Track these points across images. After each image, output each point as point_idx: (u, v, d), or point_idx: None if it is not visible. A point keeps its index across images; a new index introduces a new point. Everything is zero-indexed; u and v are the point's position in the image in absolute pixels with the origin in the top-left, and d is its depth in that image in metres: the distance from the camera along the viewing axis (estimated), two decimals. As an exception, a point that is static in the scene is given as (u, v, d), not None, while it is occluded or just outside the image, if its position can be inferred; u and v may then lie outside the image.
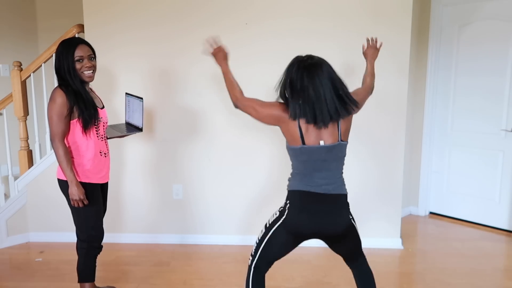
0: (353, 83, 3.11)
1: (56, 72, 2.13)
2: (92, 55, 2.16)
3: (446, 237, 3.53)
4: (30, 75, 3.30)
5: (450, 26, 3.76)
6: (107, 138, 2.33)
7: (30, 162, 3.39)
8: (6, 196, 3.38)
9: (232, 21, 3.10)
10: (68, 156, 2.09)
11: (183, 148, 3.28)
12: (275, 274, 2.84)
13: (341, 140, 1.84)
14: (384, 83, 3.11)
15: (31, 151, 3.41)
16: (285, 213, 1.88)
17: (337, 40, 3.08)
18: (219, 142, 3.25)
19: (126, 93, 2.61)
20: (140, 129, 2.47)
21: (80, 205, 2.13)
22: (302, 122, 1.78)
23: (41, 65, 3.27)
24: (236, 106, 2.07)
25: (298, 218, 1.85)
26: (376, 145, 3.18)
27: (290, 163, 1.94)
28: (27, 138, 3.38)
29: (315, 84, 1.76)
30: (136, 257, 3.12)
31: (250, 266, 2.05)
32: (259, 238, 1.99)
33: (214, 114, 3.22)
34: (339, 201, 1.89)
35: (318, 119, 1.76)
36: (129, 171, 3.32)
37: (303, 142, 1.79)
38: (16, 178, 3.36)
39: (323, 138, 1.80)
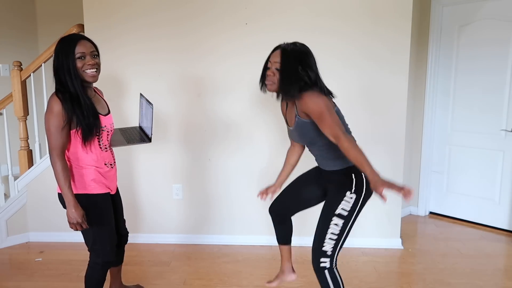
0: (351, 82, 3.13)
1: (55, 74, 1.89)
2: (95, 52, 1.92)
3: (446, 237, 3.52)
4: (30, 75, 3.30)
5: (450, 26, 3.76)
6: (112, 147, 2.11)
7: (30, 162, 3.39)
8: (6, 196, 3.38)
9: (232, 21, 3.09)
10: (67, 173, 1.87)
11: (183, 148, 3.28)
12: (275, 274, 2.84)
13: None
14: (384, 83, 3.11)
15: (31, 151, 3.41)
16: (363, 188, 1.87)
17: (337, 40, 3.08)
18: (219, 142, 3.25)
19: (141, 94, 2.30)
20: (149, 139, 2.16)
21: (79, 229, 1.91)
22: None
23: (41, 65, 3.27)
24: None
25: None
26: (376, 145, 3.18)
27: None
28: (27, 138, 3.38)
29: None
30: (136, 257, 3.12)
31: (333, 268, 1.92)
32: (339, 232, 1.88)
33: (214, 114, 3.22)
34: None
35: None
36: (129, 171, 3.32)
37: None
38: (16, 178, 3.36)
39: None
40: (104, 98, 2.17)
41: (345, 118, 2.09)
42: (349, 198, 1.87)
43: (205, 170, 3.30)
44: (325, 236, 1.89)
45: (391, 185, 1.59)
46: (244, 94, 3.18)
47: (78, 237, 2.22)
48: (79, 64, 1.86)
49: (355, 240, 3.30)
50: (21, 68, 3.28)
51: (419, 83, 3.95)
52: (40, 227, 3.40)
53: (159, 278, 2.80)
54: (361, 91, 3.13)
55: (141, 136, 2.24)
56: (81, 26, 3.19)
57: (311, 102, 1.81)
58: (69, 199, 1.88)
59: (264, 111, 3.18)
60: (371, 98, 3.14)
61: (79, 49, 1.86)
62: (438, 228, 3.74)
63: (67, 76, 1.86)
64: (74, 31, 3.20)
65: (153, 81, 3.20)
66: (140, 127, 2.35)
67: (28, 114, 3.36)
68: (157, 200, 3.35)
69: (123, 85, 3.20)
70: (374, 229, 3.29)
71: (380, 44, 3.06)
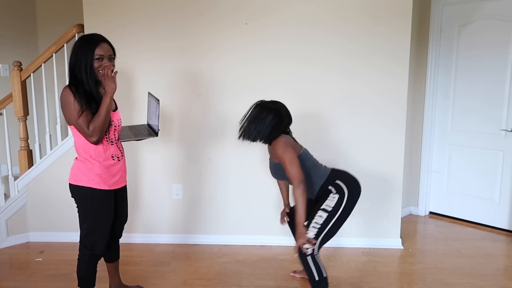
0: (351, 82, 3.12)
1: (70, 69, 1.99)
2: (112, 55, 2.05)
3: (446, 237, 3.53)
4: (30, 75, 3.30)
5: (450, 26, 3.76)
6: (120, 141, 2.19)
7: (30, 162, 3.39)
8: (6, 196, 3.38)
9: (232, 21, 3.10)
10: (95, 118, 1.96)
11: (183, 148, 3.28)
12: (275, 274, 2.85)
13: None
14: (384, 83, 3.11)
15: (31, 151, 3.41)
16: (344, 190, 2.30)
17: (337, 41, 3.08)
18: (219, 142, 3.26)
19: (149, 93, 2.37)
20: (156, 134, 2.23)
21: (113, 75, 1.99)
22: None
23: (41, 65, 3.27)
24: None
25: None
26: (376, 145, 3.18)
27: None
28: (27, 138, 3.38)
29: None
30: (136, 257, 3.12)
31: (314, 254, 2.25)
32: (322, 223, 2.26)
33: (215, 114, 3.22)
34: None
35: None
36: (129, 171, 3.31)
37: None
38: (16, 178, 3.35)
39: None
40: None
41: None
42: (332, 197, 2.28)
43: (205, 170, 3.30)
44: (310, 225, 2.25)
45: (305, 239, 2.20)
46: (244, 94, 3.17)
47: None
48: (96, 64, 1.97)
49: (355, 240, 3.31)
50: (21, 68, 3.28)
51: (419, 83, 3.95)
52: (40, 227, 3.40)
53: (159, 278, 2.80)
54: (361, 91, 3.12)
55: (148, 131, 2.30)
56: (81, 26, 3.19)
57: (279, 149, 2.28)
58: (106, 100, 1.98)
59: (264, 111, 3.18)
60: (371, 98, 3.14)
61: (99, 51, 1.97)
62: (438, 228, 3.74)
63: (83, 73, 1.96)
64: (74, 31, 3.21)
65: (153, 81, 3.19)
66: (148, 125, 2.40)
67: (28, 114, 3.36)
68: (157, 200, 3.35)
69: (123, 85, 3.19)
70: (374, 229, 3.29)
71: (380, 44, 3.06)
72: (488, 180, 3.68)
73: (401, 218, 3.37)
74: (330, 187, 2.30)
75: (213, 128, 3.24)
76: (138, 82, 3.20)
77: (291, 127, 2.51)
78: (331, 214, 2.25)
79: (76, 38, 3.21)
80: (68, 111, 1.98)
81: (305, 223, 2.23)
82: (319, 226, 2.23)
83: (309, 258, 2.22)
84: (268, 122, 2.30)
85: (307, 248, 2.20)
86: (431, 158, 4.00)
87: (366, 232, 3.29)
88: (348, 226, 3.30)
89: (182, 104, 3.22)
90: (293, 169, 2.21)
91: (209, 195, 3.33)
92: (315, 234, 2.23)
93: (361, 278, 2.79)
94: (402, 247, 3.28)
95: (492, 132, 3.61)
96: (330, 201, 2.27)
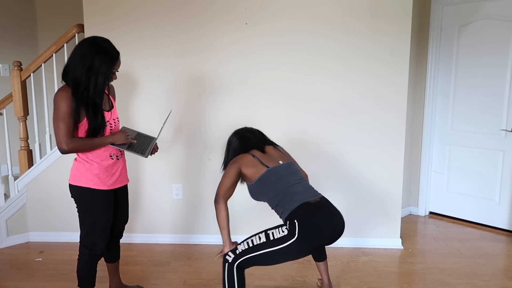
0: (351, 82, 3.12)
1: (78, 71, 1.95)
2: None
3: (446, 237, 3.53)
4: (30, 75, 3.30)
5: (450, 26, 3.76)
6: (110, 145, 2.11)
7: (30, 162, 3.39)
8: (6, 196, 3.38)
9: (232, 21, 3.09)
10: (85, 139, 2.00)
11: (183, 148, 3.28)
12: (275, 274, 2.85)
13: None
14: (384, 83, 3.11)
15: (31, 151, 3.41)
16: (296, 231, 2.01)
17: (337, 41, 3.08)
18: (219, 142, 3.25)
19: (171, 111, 2.47)
20: (146, 154, 2.18)
21: (129, 140, 2.13)
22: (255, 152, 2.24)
23: (41, 65, 3.27)
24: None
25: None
26: (376, 145, 3.18)
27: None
28: (27, 138, 3.38)
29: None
30: (136, 257, 3.12)
31: (233, 265, 2.14)
32: (255, 244, 2.11)
33: (215, 114, 3.22)
34: (330, 203, 2.16)
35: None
36: (128, 171, 3.31)
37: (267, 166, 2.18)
38: (16, 178, 3.36)
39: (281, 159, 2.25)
40: (109, 94, 2.22)
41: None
42: (281, 230, 2.07)
43: (205, 170, 3.30)
44: (246, 239, 2.15)
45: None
46: (244, 94, 3.18)
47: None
48: (113, 76, 2.07)
49: (355, 240, 3.31)
50: (21, 68, 3.28)
51: (419, 83, 3.95)
52: (40, 227, 3.40)
53: (159, 278, 2.80)
54: (361, 91, 3.12)
55: (144, 148, 2.23)
56: (81, 26, 3.19)
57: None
58: (106, 141, 2.06)
59: (263, 110, 3.18)
60: (371, 98, 3.14)
61: (118, 66, 2.07)
62: (438, 228, 3.74)
63: (100, 79, 1.98)
64: (74, 31, 3.21)
65: (153, 81, 3.20)
66: (156, 143, 2.36)
67: (28, 114, 3.36)
68: (157, 200, 3.35)
69: (124, 87, 3.20)
70: (374, 229, 3.29)
71: (380, 44, 3.06)
72: (488, 180, 3.68)
73: (401, 218, 3.37)
74: (288, 221, 2.05)
75: (213, 128, 3.24)
76: (139, 82, 3.20)
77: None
78: (269, 243, 2.05)
79: (76, 38, 3.22)
80: (56, 116, 1.95)
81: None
82: (251, 245, 2.09)
83: (226, 265, 2.13)
84: (230, 147, 2.36)
85: (229, 256, 2.13)
86: (431, 158, 4.00)
87: (367, 232, 3.29)
88: (348, 226, 3.30)
89: (182, 104, 3.22)
90: (221, 183, 2.21)
91: (209, 195, 3.33)
92: (242, 250, 2.10)
93: (361, 278, 2.79)
94: (402, 247, 3.29)
95: (492, 132, 3.61)
96: (277, 232, 2.07)
